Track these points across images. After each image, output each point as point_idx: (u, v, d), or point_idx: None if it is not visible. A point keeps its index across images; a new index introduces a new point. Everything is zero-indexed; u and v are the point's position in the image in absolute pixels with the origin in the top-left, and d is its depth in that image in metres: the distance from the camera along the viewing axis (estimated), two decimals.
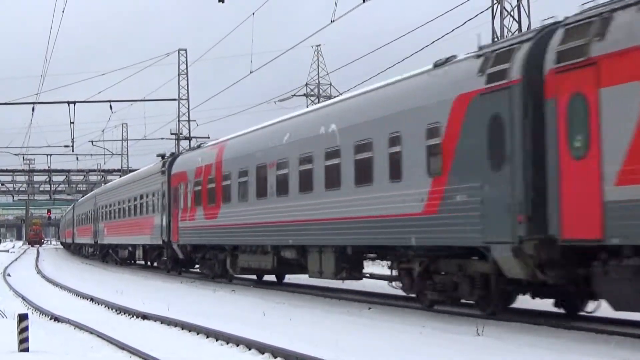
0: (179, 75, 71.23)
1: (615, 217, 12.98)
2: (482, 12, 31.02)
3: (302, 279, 29.43)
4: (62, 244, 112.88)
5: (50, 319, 20.83)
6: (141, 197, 42.78)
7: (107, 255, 58.85)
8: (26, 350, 14.63)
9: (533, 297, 17.07)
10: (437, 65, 18.03)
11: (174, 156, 37.88)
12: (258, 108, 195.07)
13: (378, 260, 23.84)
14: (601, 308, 15.47)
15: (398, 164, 18.67)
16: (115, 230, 51.06)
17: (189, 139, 69.12)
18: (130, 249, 49.11)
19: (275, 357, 13.13)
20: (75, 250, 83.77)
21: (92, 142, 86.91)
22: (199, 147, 35.26)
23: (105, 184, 78.58)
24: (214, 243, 30.99)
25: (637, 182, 12.62)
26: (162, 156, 40.95)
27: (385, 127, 19.17)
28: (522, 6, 31.89)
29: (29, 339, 14.73)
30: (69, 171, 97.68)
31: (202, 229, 31.66)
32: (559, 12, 14.99)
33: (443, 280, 18.17)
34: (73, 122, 52.03)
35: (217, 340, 15.46)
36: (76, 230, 77.58)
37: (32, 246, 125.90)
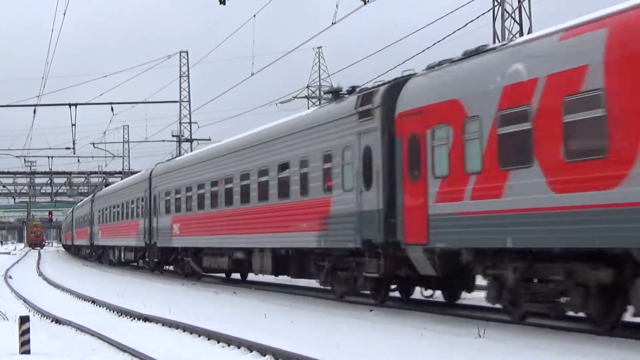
0: (180, 77, 71.28)
1: None
2: (483, 14, 31.08)
3: (301, 281, 27.81)
4: (64, 247, 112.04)
5: (52, 322, 20.81)
6: (283, 166, 25.06)
7: (175, 263, 40.14)
8: (27, 352, 14.63)
9: None
10: None
11: (398, 80, 20.15)
12: (259, 110, 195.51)
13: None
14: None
15: None
16: (198, 227, 33.76)
17: (190, 140, 69.12)
18: (239, 255, 29.89)
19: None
20: (91, 255, 69.16)
21: (93, 144, 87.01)
22: (487, 51, 17.06)
23: (106, 186, 76.09)
24: (612, 245, 13.46)
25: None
26: (350, 91, 22.44)
27: None
28: (523, 8, 31.92)
29: (30, 341, 14.75)
30: (70, 173, 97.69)
31: (545, 216, 14.49)
32: (559, 13, 15.01)
33: None
34: (74, 124, 52.18)
35: (218, 342, 15.46)
36: (98, 229, 61.69)
37: (33, 248, 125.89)
